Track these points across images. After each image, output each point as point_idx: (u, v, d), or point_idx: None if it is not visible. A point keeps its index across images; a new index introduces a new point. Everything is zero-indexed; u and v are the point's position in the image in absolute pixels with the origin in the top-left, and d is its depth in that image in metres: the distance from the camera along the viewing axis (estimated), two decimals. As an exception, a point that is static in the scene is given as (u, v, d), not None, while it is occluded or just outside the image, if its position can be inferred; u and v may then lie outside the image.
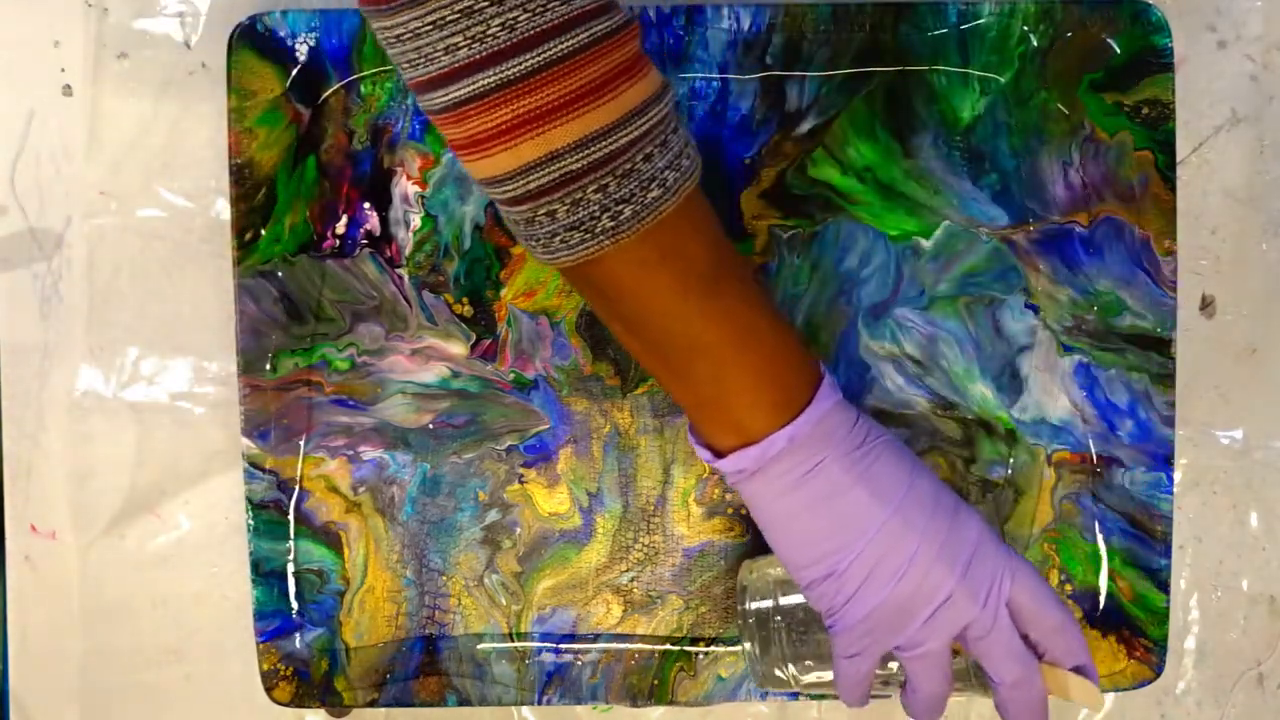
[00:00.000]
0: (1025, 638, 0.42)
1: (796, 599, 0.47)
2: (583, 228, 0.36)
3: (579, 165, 0.35)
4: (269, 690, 0.52)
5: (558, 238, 0.37)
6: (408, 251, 0.52)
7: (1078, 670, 0.42)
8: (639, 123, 0.36)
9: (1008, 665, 0.41)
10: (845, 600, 0.41)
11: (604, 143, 0.35)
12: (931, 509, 0.41)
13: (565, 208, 0.36)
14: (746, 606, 0.47)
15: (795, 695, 0.52)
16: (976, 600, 0.40)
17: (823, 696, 0.52)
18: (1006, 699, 0.42)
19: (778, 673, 0.47)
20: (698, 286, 0.39)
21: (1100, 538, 0.52)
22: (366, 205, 0.52)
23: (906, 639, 0.41)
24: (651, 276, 0.38)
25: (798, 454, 0.41)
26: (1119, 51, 0.51)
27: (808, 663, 0.47)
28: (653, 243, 0.38)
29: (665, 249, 0.38)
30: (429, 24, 0.34)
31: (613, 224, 0.36)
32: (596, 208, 0.36)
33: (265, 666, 0.52)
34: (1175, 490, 0.53)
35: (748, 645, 0.47)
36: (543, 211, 0.36)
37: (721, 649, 0.52)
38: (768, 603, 0.47)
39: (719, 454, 0.42)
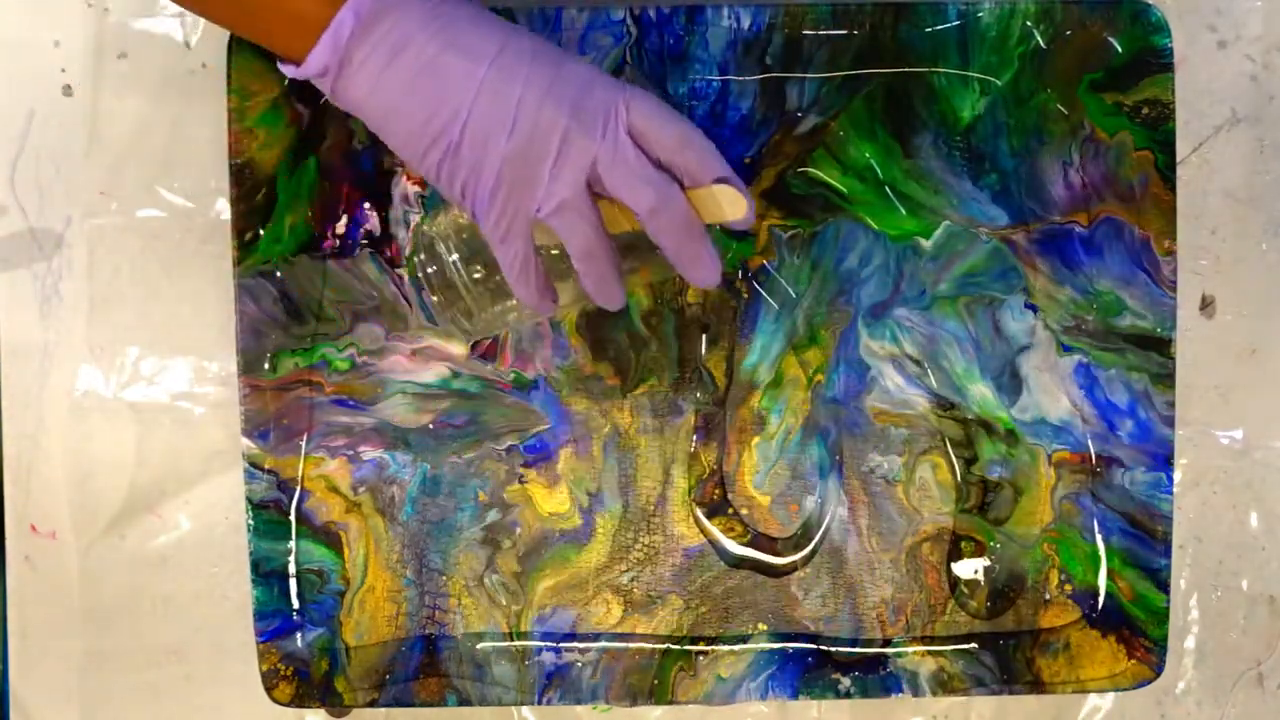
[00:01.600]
0: (659, 164, 0.41)
1: (461, 223, 0.45)
2: None
3: None
4: (269, 690, 0.52)
5: None
6: (408, 251, 0.52)
7: (719, 183, 0.41)
8: None
9: (642, 191, 0.40)
10: (469, 170, 0.40)
11: None
12: (531, 57, 0.40)
13: None
14: (420, 258, 0.45)
15: (495, 342, 0.51)
16: (594, 132, 0.40)
17: (515, 317, 0.48)
18: (652, 228, 0.41)
19: (468, 319, 0.45)
20: None
21: (1100, 538, 0.52)
22: (366, 205, 0.52)
23: (541, 196, 0.40)
24: None
25: (374, 32, 0.40)
26: (1119, 51, 0.51)
27: (480, 279, 0.45)
28: None
29: None
30: None
31: None
32: None
33: (265, 666, 0.52)
34: (1175, 490, 0.53)
35: (434, 298, 0.45)
36: None
37: (722, 649, 0.52)
38: (441, 246, 0.45)
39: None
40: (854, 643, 0.52)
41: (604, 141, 0.40)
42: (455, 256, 0.44)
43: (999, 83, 0.51)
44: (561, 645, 0.52)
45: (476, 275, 0.44)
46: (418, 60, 0.40)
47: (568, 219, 0.40)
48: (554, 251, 0.44)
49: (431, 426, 0.52)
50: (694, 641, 0.52)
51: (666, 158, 0.41)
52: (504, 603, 0.52)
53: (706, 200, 0.41)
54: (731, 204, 0.41)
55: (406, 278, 0.44)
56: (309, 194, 0.51)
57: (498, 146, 0.39)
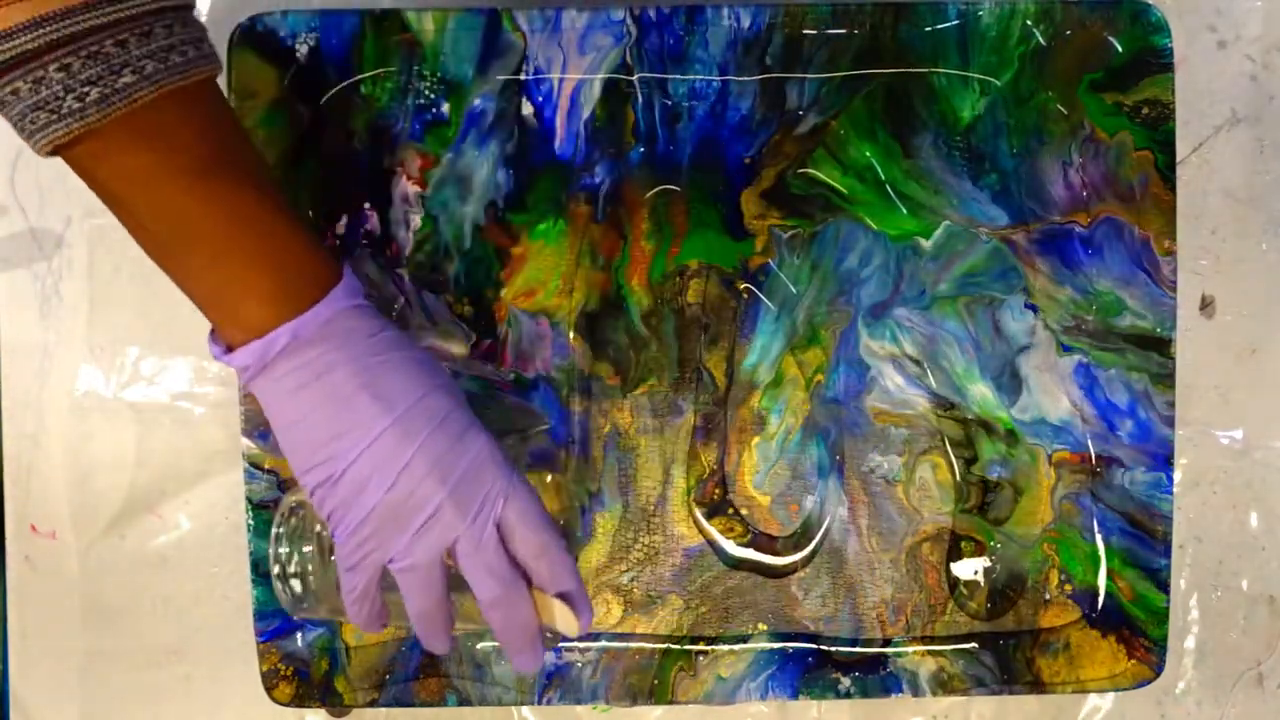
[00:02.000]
0: (515, 560, 0.42)
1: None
2: (48, 108, 0.37)
3: (35, 45, 0.36)
4: (269, 690, 0.52)
5: (27, 118, 0.37)
6: (408, 251, 0.52)
7: (563, 597, 0.43)
8: (110, 10, 0.37)
9: (488, 583, 0.41)
10: (340, 505, 0.41)
11: (63, 23, 0.36)
12: (437, 423, 0.41)
13: (28, 86, 0.37)
14: (279, 531, 0.46)
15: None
16: (465, 515, 0.41)
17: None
18: (489, 617, 0.42)
19: (312, 606, 0.46)
20: (189, 175, 0.39)
21: (1100, 538, 0.52)
22: (366, 205, 0.52)
23: (398, 551, 0.41)
24: (136, 162, 0.39)
25: (305, 353, 0.41)
26: (1119, 51, 0.51)
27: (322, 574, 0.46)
28: (136, 130, 0.38)
29: (151, 136, 0.38)
30: None
31: (79, 105, 0.37)
32: (60, 88, 0.37)
33: (265, 666, 0.52)
34: (1175, 490, 0.53)
35: (293, 584, 0.46)
36: (7, 90, 0.37)
37: (722, 649, 0.52)
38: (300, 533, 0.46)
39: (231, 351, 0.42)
40: (854, 643, 0.52)
41: (471, 526, 0.41)
42: (311, 549, 0.46)
43: (999, 83, 0.51)
44: (561, 645, 0.52)
45: (322, 568, 0.46)
46: (333, 392, 0.40)
47: (413, 581, 0.41)
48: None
49: (559, 633, 0.52)
50: (694, 641, 0.52)
51: (523, 559, 0.42)
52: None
53: (546, 605, 0.43)
54: (564, 621, 0.43)
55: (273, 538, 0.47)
56: (309, 194, 0.51)
57: (372, 496, 0.40)
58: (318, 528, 0.46)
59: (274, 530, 0.46)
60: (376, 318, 0.43)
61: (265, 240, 0.41)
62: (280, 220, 0.41)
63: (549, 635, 0.44)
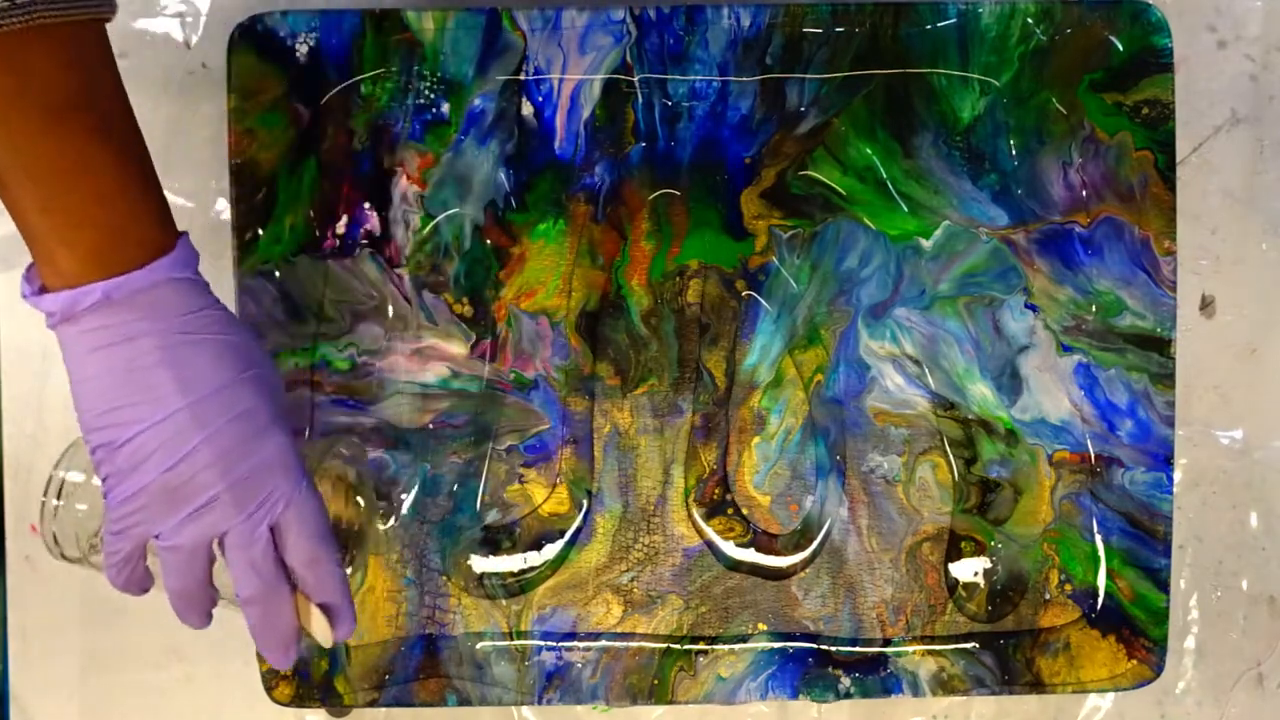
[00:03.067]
0: (283, 561, 0.42)
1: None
2: None
3: None
4: (269, 690, 0.52)
5: None
6: (408, 251, 0.52)
7: (325, 608, 0.43)
8: None
9: (250, 579, 0.41)
10: (116, 473, 0.40)
11: None
12: (234, 415, 0.41)
13: None
14: (57, 474, 0.47)
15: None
16: (240, 511, 0.40)
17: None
18: (245, 611, 0.42)
19: (73, 551, 0.47)
20: (43, 112, 0.39)
21: (1100, 537, 0.52)
22: (366, 205, 0.52)
23: (165, 530, 0.40)
24: None
25: (112, 315, 0.40)
26: (1119, 51, 0.51)
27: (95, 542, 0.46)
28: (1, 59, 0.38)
29: (14, 65, 0.38)
30: None
31: None
32: None
33: (265, 666, 0.52)
34: (1175, 490, 0.53)
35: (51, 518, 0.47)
36: None
37: (722, 649, 0.52)
38: (73, 476, 0.46)
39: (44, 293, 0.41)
40: (854, 643, 0.52)
41: (243, 523, 0.40)
42: (84, 507, 0.46)
43: (998, 83, 0.51)
44: (561, 645, 0.52)
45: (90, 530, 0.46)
46: (131, 361, 0.40)
47: (175, 561, 0.41)
48: None
49: (431, 426, 0.52)
50: (694, 641, 0.52)
51: (293, 564, 0.42)
52: (504, 603, 0.52)
53: (308, 611, 0.43)
54: (320, 631, 0.43)
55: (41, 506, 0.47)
56: (309, 194, 0.51)
57: (149, 474, 0.40)
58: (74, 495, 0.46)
59: (54, 470, 0.46)
60: (202, 295, 0.42)
61: (100, 196, 0.40)
62: (124, 179, 0.41)
63: (307, 639, 0.44)
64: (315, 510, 0.42)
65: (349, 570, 0.50)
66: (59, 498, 0.46)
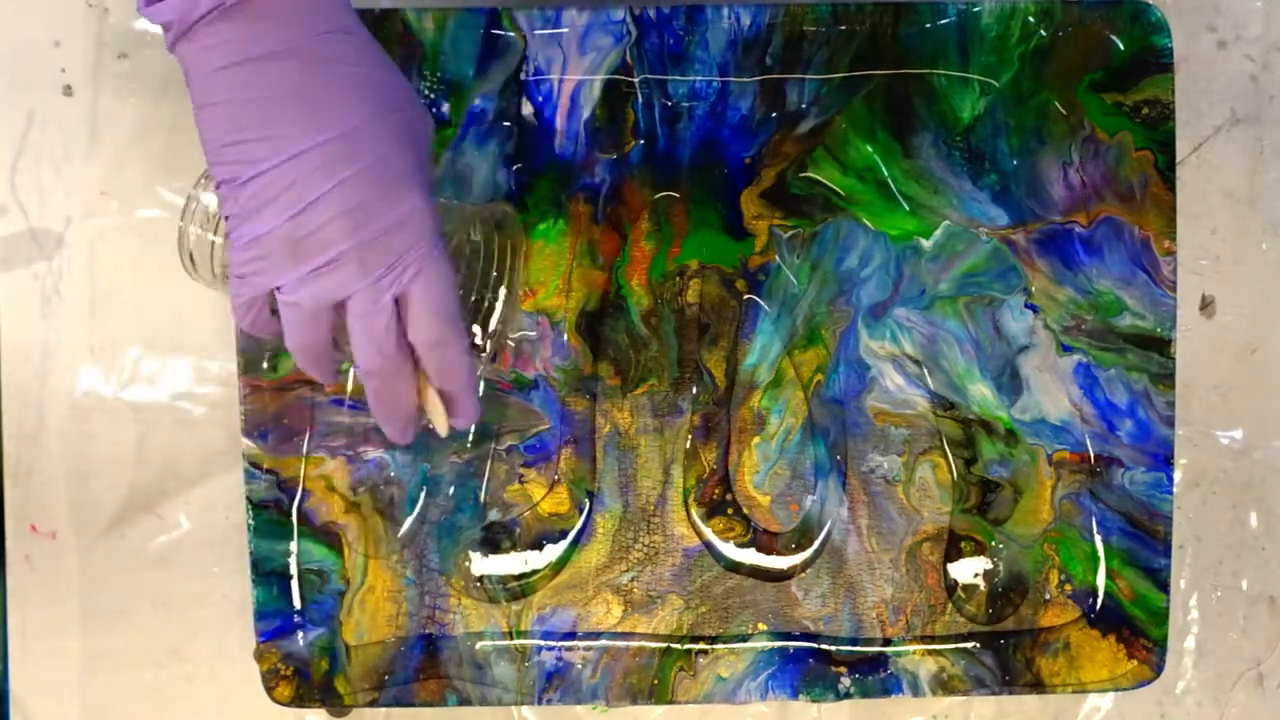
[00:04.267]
0: (405, 335, 0.38)
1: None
2: None
3: None
4: (269, 690, 0.52)
5: None
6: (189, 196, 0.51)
7: (444, 395, 0.39)
8: None
9: (368, 352, 0.37)
10: (239, 214, 0.36)
11: None
12: (368, 162, 0.36)
13: None
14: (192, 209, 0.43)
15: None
16: (366, 275, 0.36)
17: None
18: (363, 382, 0.39)
19: (207, 274, 0.44)
20: None
21: (1099, 538, 0.52)
22: (366, 205, 0.52)
23: (287, 283, 0.36)
24: None
25: (236, 25, 0.35)
26: (1119, 51, 0.51)
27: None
28: None
29: None
30: None
31: None
32: None
33: (265, 666, 0.52)
34: (1175, 490, 0.53)
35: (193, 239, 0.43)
36: None
37: (722, 649, 0.52)
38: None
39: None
40: (854, 643, 0.52)
41: (368, 289, 0.36)
42: (218, 238, 0.43)
43: (998, 83, 0.51)
44: (561, 645, 0.52)
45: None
46: (256, 83, 0.35)
47: (295, 317, 0.37)
48: None
49: (432, 426, 0.52)
50: (694, 641, 0.52)
51: (417, 343, 0.38)
52: (504, 603, 0.52)
53: (428, 395, 0.40)
54: (437, 418, 0.40)
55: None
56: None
57: (271, 220, 0.36)
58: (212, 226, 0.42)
59: (192, 190, 0.42)
60: (341, 12, 0.37)
61: None
62: None
63: (426, 423, 0.40)
64: (447, 287, 0.37)
65: (501, 290, 0.44)
66: (195, 224, 0.42)
